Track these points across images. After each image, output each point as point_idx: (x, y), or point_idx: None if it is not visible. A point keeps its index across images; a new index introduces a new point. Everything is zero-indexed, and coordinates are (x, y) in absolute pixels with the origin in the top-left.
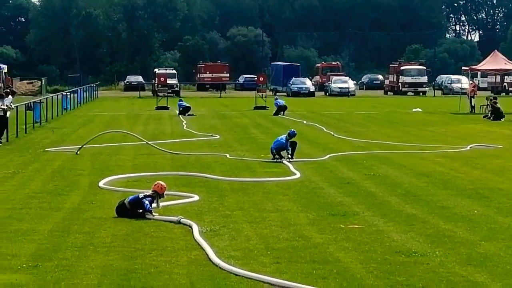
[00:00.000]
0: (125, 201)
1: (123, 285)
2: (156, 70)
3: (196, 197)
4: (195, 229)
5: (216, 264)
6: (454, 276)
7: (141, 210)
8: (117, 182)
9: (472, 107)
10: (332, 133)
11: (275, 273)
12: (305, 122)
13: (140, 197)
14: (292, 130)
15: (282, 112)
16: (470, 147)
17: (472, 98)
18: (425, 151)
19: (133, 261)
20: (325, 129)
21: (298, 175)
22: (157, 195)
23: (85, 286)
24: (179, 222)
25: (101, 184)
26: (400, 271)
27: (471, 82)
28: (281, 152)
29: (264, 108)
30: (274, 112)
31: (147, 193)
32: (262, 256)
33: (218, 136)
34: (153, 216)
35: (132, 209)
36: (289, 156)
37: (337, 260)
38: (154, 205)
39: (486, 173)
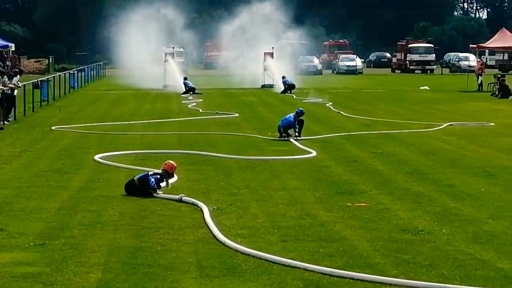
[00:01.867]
0: (134, 178)
1: (130, 263)
2: (164, 48)
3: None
4: (204, 208)
5: (222, 242)
6: (460, 254)
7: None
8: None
9: (480, 85)
10: (340, 111)
11: (282, 251)
12: (311, 100)
13: (149, 174)
14: (300, 108)
15: (289, 91)
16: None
17: (480, 76)
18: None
19: (140, 239)
20: (333, 108)
21: (314, 153)
22: (166, 174)
23: (92, 264)
24: (180, 200)
25: (96, 157)
26: (406, 249)
27: (478, 60)
28: (288, 131)
29: (271, 86)
30: (282, 90)
31: (157, 171)
32: (269, 234)
33: (237, 114)
34: (157, 194)
35: (141, 186)
36: (296, 134)
37: (343, 238)
38: (163, 184)
39: (493, 151)
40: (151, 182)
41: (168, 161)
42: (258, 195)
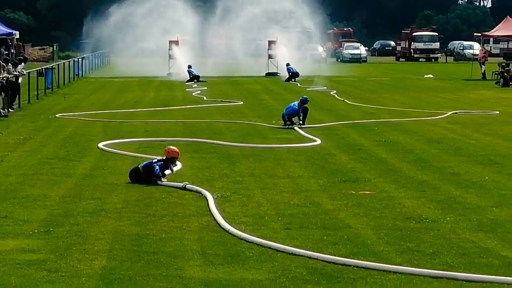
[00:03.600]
0: (139, 166)
1: (134, 251)
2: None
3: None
4: (208, 196)
5: (226, 230)
6: (464, 242)
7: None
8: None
9: (483, 74)
10: (344, 99)
11: (286, 239)
12: (316, 88)
13: (153, 162)
14: (305, 96)
15: (293, 79)
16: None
17: (483, 65)
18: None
19: (144, 227)
20: (337, 96)
21: (319, 141)
22: (168, 161)
23: (97, 252)
24: (184, 188)
25: (100, 145)
26: (410, 237)
27: (481, 48)
28: (293, 119)
29: (275, 74)
30: (286, 78)
31: (161, 158)
32: (273, 222)
33: (241, 102)
34: (162, 181)
35: (145, 174)
36: (301, 122)
37: (347, 226)
38: (168, 171)
39: (497, 139)
40: (155, 169)
41: (168, 147)
42: (262, 183)
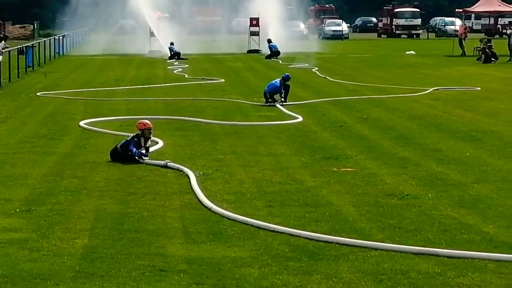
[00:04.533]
0: (117, 146)
1: (116, 229)
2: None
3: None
4: (190, 174)
5: (208, 208)
6: (446, 218)
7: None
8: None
9: (463, 49)
10: (326, 76)
11: (268, 217)
12: (298, 65)
13: (128, 140)
14: (287, 74)
15: (275, 57)
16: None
17: (463, 40)
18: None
19: (126, 205)
20: (319, 73)
21: (300, 118)
22: (142, 135)
23: (79, 230)
24: (166, 166)
25: (81, 123)
26: (392, 213)
27: (462, 24)
28: (274, 96)
29: (257, 51)
30: (266, 55)
31: (135, 134)
32: (255, 200)
33: (223, 80)
34: (143, 160)
35: (124, 153)
36: (282, 99)
37: (329, 203)
38: (143, 150)
39: (479, 116)
40: (134, 152)
41: (139, 121)
42: (244, 160)
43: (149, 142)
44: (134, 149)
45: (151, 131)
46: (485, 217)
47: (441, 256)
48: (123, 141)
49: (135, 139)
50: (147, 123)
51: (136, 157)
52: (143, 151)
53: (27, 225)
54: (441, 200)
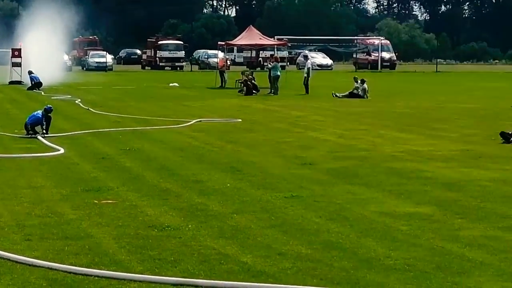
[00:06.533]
0: None
1: None
2: None
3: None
4: None
5: None
6: (205, 249)
7: None
8: None
9: (223, 81)
10: (89, 108)
11: (26, 250)
12: (60, 97)
13: None
14: (49, 105)
15: (37, 88)
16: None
17: (224, 73)
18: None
19: None
20: (82, 104)
21: (62, 150)
22: None
23: None
24: None
25: None
26: (152, 245)
27: (221, 57)
28: (36, 128)
29: (19, 83)
30: (28, 87)
31: None
32: (13, 234)
33: None
34: None
35: None
36: (44, 131)
37: (89, 236)
38: None
39: (239, 147)
40: None
41: None
42: (2, 193)
43: None
44: None
45: None
46: (244, 247)
47: (200, 286)
48: None
49: None
50: None
51: None
52: None
53: None
54: (201, 231)
